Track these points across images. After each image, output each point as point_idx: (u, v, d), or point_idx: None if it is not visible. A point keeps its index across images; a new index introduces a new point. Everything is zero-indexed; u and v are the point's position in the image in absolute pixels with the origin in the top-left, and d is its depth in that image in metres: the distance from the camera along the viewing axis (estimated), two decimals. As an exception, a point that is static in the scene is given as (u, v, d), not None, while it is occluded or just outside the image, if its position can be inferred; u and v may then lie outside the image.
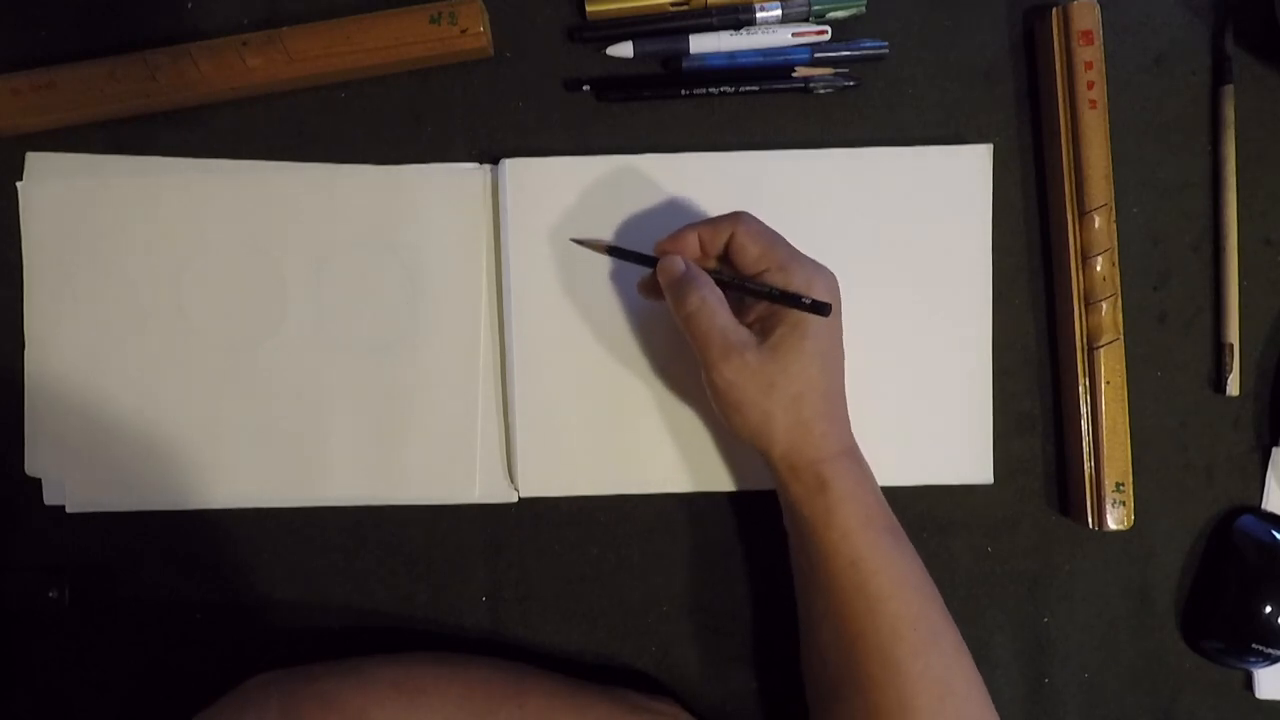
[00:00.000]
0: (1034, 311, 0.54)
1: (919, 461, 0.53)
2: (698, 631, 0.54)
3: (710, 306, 0.44)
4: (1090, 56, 0.51)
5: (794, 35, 0.52)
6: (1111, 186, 0.52)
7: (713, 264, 0.48)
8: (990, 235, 0.53)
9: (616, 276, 0.53)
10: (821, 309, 0.43)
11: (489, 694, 0.46)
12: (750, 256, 0.45)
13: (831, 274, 0.46)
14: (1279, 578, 0.52)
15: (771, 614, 0.54)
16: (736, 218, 0.46)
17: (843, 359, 0.47)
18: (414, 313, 0.53)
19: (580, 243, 0.51)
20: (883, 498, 0.47)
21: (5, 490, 0.53)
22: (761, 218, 0.52)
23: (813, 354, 0.44)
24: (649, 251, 0.48)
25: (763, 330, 0.45)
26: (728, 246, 0.46)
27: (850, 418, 0.48)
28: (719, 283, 0.46)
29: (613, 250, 0.49)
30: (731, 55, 0.53)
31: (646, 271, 0.48)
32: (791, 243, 0.46)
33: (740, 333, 0.44)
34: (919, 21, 0.54)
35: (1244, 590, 0.52)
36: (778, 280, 0.44)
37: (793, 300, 0.44)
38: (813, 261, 0.46)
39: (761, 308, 0.46)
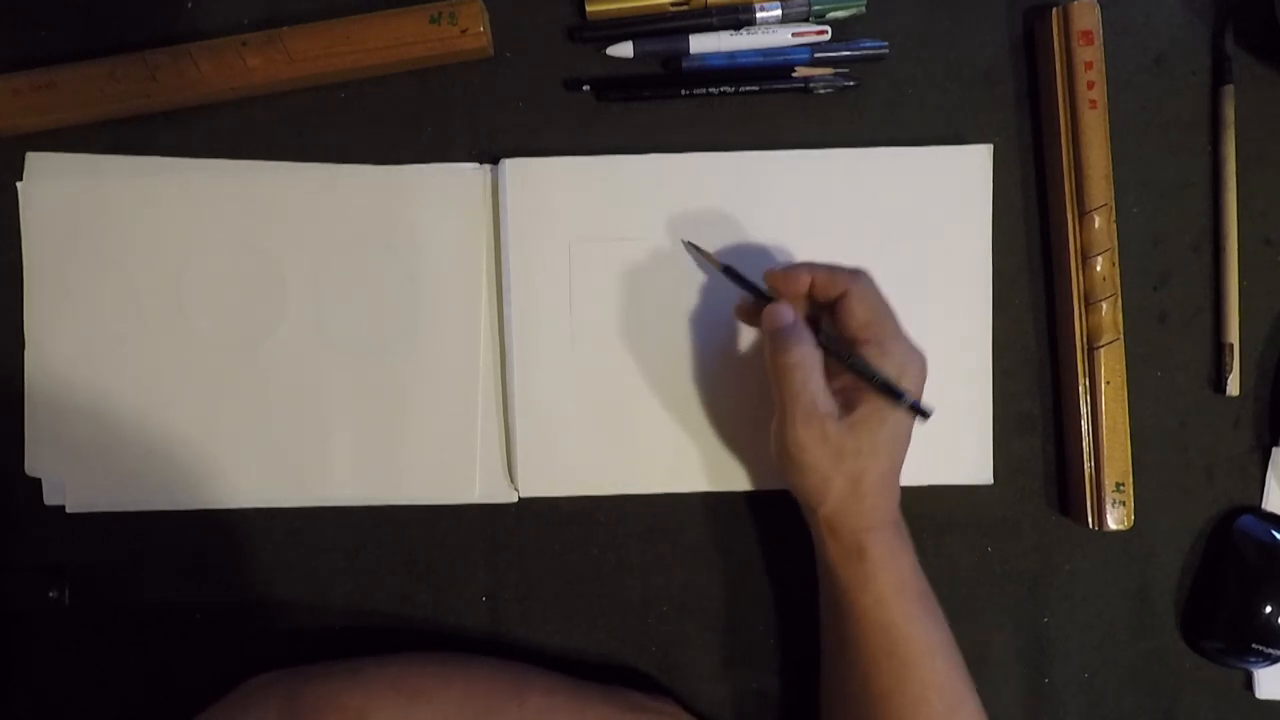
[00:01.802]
0: (1034, 311, 0.54)
1: (919, 461, 0.53)
2: (698, 631, 0.54)
3: (806, 368, 0.44)
4: (1090, 56, 0.51)
5: (794, 35, 0.52)
6: (1111, 186, 0.52)
7: (803, 305, 0.48)
8: (990, 235, 0.53)
9: (616, 276, 0.53)
10: (922, 412, 0.44)
11: (489, 693, 0.46)
12: (856, 321, 0.45)
13: (923, 361, 0.46)
14: (1279, 578, 0.52)
15: (771, 614, 0.54)
16: (856, 276, 0.46)
17: (909, 442, 0.47)
18: (414, 313, 0.53)
19: (695, 250, 0.51)
20: (918, 566, 0.47)
21: (5, 490, 0.53)
22: (762, 218, 0.53)
23: (887, 439, 0.44)
24: (756, 274, 0.48)
25: (846, 401, 0.45)
26: (836, 301, 0.46)
27: None
28: (821, 344, 0.45)
29: (728, 271, 0.49)
30: (731, 55, 0.53)
31: (733, 288, 0.49)
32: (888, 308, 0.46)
33: (827, 401, 0.45)
34: (919, 21, 0.54)
35: (1244, 590, 0.52)
36: (873, 355, 0.44)
37: (893, 395, 0.44)
38: (909, 345, 0.45)
39: (850, 376, 0.45)
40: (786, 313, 0.46)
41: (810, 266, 0.46)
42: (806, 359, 0.44)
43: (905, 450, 0.46)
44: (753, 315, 0.48)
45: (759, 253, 0.53)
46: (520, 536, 0.54)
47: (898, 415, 0.44)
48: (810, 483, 0.45)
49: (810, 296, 0.47)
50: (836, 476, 0.45)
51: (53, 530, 0.53)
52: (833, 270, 0.46)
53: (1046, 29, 0.52)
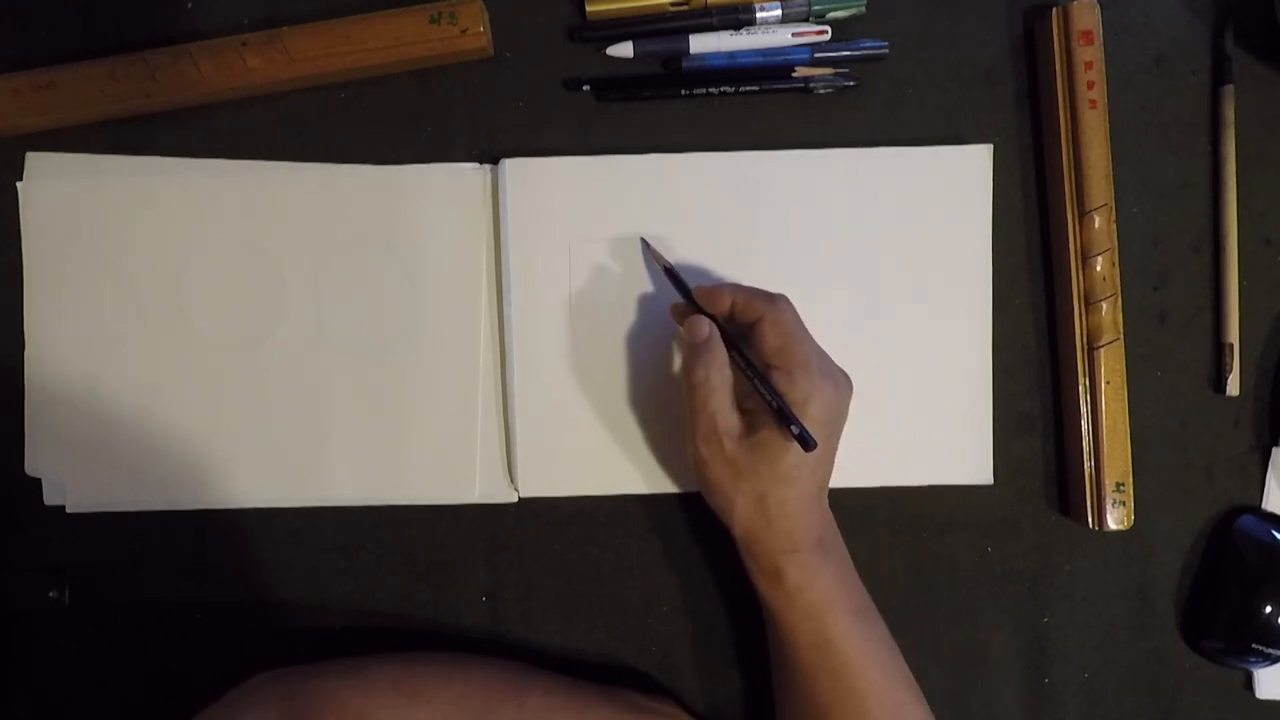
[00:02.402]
0: (1034, 311, 0.54)
1: (919, 461, 0.53)
2: (698, 631, 0.54)
3: (711, 385, 0.45)
4: (1090, 56, 0.51)
5: (794, 35, 0.52)
6: (1111, 186, 0.52)
7: (733, 325, 0.48)
8: (990, 235, 0.53)
9: (616, 276, 0.53)
10: (805, 442, 0.44)
11: (488, 693, 0.46)
12: (768, 347, 0.46)
13: (839, 389, 0.46)
14: (1279, 578, 0.52)
15: (771, 614, 0.54)
16: (771, 302, 0.46)
17: (828, 468, 0.47)
18: (414, 313, 0.53)
19: (647, 246, 0.52)
20: (850, 578, 0.47)
21: (5, 490, 0.53)
22: (762, 218, 0.53)
23: (789, 465, 0.44)
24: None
25: (752, 423, 0.45)
26: (753, 325, 0.46)
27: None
28: (733, 362, 0.46)
29: (668, 271, 0.50)
30: (731, 55, 0.53)
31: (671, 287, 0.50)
32: (811, 337, 0.47)
33: (729, 420, 0.45)
34: (919, 21, 0.54)
35: (1244, 590, 0.52)
36: (780, 381, 0.45)
37: (782, 419, 0.44)
38: (823, 373, 0.45)
39: (758, 400, 0.46)
40: (703, 328, 0.46)
41: (734, 288, 0.47)
42: (714, 376, 0.45)
43: (817, 481, 0.46)
44: (682, 317, 0.49)
45: (760, 253, 0.53)
46: (520, 536, 0.54)
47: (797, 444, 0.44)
48: (717, 501, 0.47)
49: (731, 318, 0.47)
50: (738, 497, 0.45)
51: (53, 530, 0.53)
52: (752, 294, 0.47)
53: (1046, 29, 0.52)
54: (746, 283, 0.52)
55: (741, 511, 0.46)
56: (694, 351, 0.46)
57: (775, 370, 0.45)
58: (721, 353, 0.46)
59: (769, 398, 0.44)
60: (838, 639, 0.45)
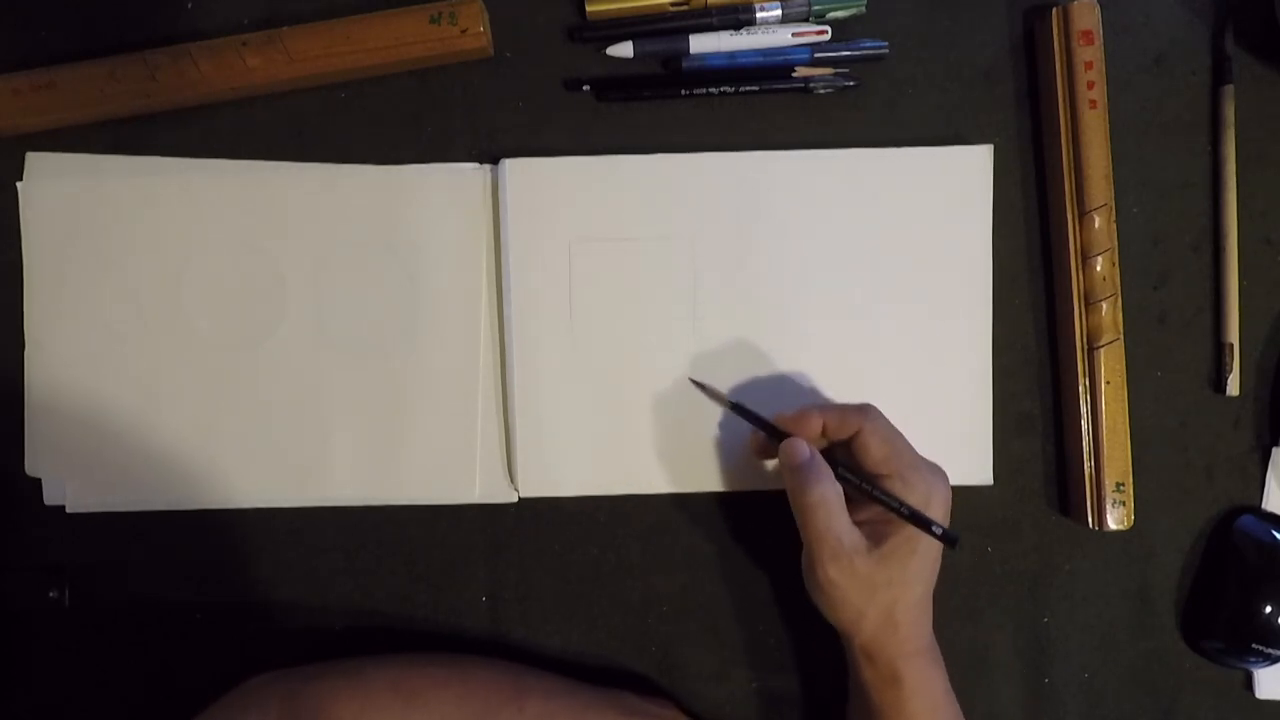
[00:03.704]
0: (1034, 311, 0.54)
1: (919, 461, 0.53)
2: (698, 632, 0.54)
3: (829, 505, 0.45)
4: (1090, 56, 0.51)
5: (794, 35, 0.52)
6: (1111, 186, 0.52)
7: (824, 443, 0.48)
8: (990, 235, 0.53)
9: (616, 276, 0.53)
10: (951, 539, 0.44)
11: (487, 696, 0.46)
12: (873, 458, 0.45)
13: (946, 485, 0.46)
14: (1279, 578, 0.52)
15: (771, 614, 0.54)
16: (864, 413, 0.46)
17: (938, 567, 0.47)
18: (414, 313, 0.53)
19: (701, 387, 0.51)
20: (950, 689, 0.48)
21: (5, 490, 0.53)
22: (762, 218, 0.53)
23: (917, 568, 0.45)
24: (767, 413, 0.48)
25: (873, 533, 0.45)
26: (850, 439, 0.46)
27: None
28: (841, 479, 0.46)
29: (736, 407, 0.49)
30: (731, 55, 0.53)
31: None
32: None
33: (854, 536, 0.45)
34: (919, 21, 0.54)
35: (1244, 590, 0.52)
36: (896, 488, 0.45)
37: (923, 524, 0.44)
38: (929, 469, 0.46)
39: (875, 509, 0.46)
40: (803, 449, 0.46)
41: (820, 409, 0.47)
42: (828, 495, 0.45)
43: (934, 576, 0.47)
44: (765, 450, 0.49)
45: (760, 253, 0.53)
46: (520, 536, 0.54)
47: (926, 544, 0.45)
48: (844, 616, 0.46)
49: (824, 435, 0.47)
50: (869, 608, 0.45)
51: (53, 530, 0.53)
52: (842, 411, 0.47)
53: (1046, 29, 0.52)
54: (747, 282, 0.52)
55: (872, 621, 0.45)
56: (799, 474, 0.45)
57: (886, 479, 0.45)
58: (828, 470, 0.45)
59: (896, 505, 0.44)
60: None
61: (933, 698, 0.46)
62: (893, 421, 0.46)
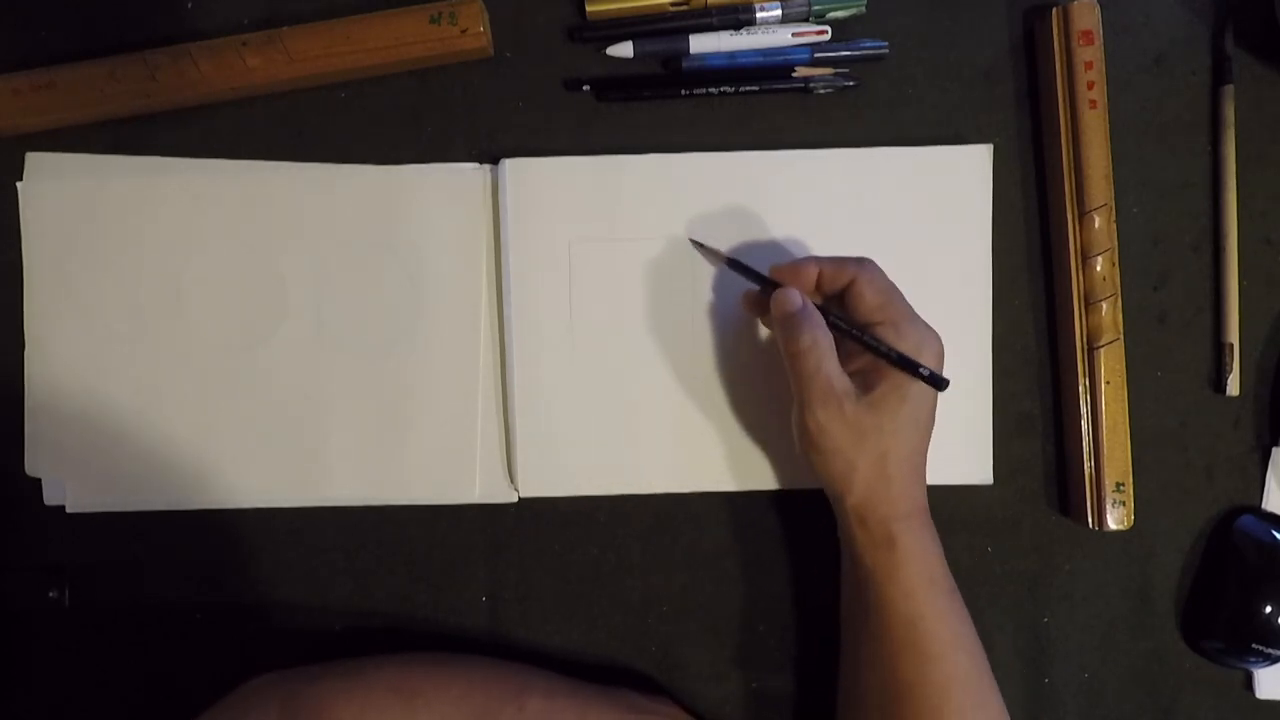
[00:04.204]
0: (1034, 311, 0.54)
1: (919, 461, 0.53)
2: (698, 631, 0.54)
3: (820, 349, 0.44)
4: (1090, 56, 0.51)
5: (794, 35, 0.52)
6: (1111, 186, 0.52)
7: (817, 299, 0.48)
8: (990, 235, 0.53)
9: (616, 276, 0.53)
10: (938, 383, 0.44)
11: (488, 695, 0.46)
12: (867, 306, 0.45)
13: (939, 339, 0.46)
14: (1279, 578, 0.52)
15: (771, 614, 0.54)
16: (861, 263, 0.46)
17: (933, 423, 0.47)
18: (414, 313, 0.53)
19: (699, 246, 0.51)
20: (944, 560, 0.47)
21: (5, 490, 0.53)
22: (762, 218, 0.53)
23: (909, 416, 0.45)
24: (764, 267, 0.48)
25: (864, 383, 0.45)
26: (845, 289, 0.46)
27: None
28: (833, 327, 0.46)
29: (732, 263, 0.50)
30: (731, 55, 0.53)
31: (742, 283, 0.49)
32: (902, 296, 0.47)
33: (843, 381, 0.45)
34: (919, 21, 0.54)
35: (1244, 590, 0.52)
36: (889, 336, 0.45)
37: (910, 367, 0.44)
38: (923, 324, 0.46)
39: (866, 358, 0.46)
40: (795, 297, 0.46)
41: (816, 260, 0.47)
42: (820, 341, 0.45)
43: (929, 430, 0.46)
44: (759, 306, 0.49)
45: (760, 253, 0.53)
46: (520, 536, 0.54)
47: (917, 391, 0.44)
48: (835, 468, 0.45)
49: (818, 289, 0.47)
50: (860, 459, 0.44)
51: (53, 530, 0.53)
52: (838, 261, 0.46)
53: (1046, 29, 0.52)
54: (746, 282, 0.52)
55: (863, 474, 0.45)
56: (791, 321, 0.45)
57: (879, 326, 0.45)
58: (820, 317, 0.45)
59: (884, 349, 0.44)
60: (933, 619, 0.45)
61: (928, 564, 0.45)
62: (889, 280, 0.46)
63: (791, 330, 0.45)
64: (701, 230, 0.52)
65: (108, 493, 0.53)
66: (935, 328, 0.53)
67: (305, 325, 0.53)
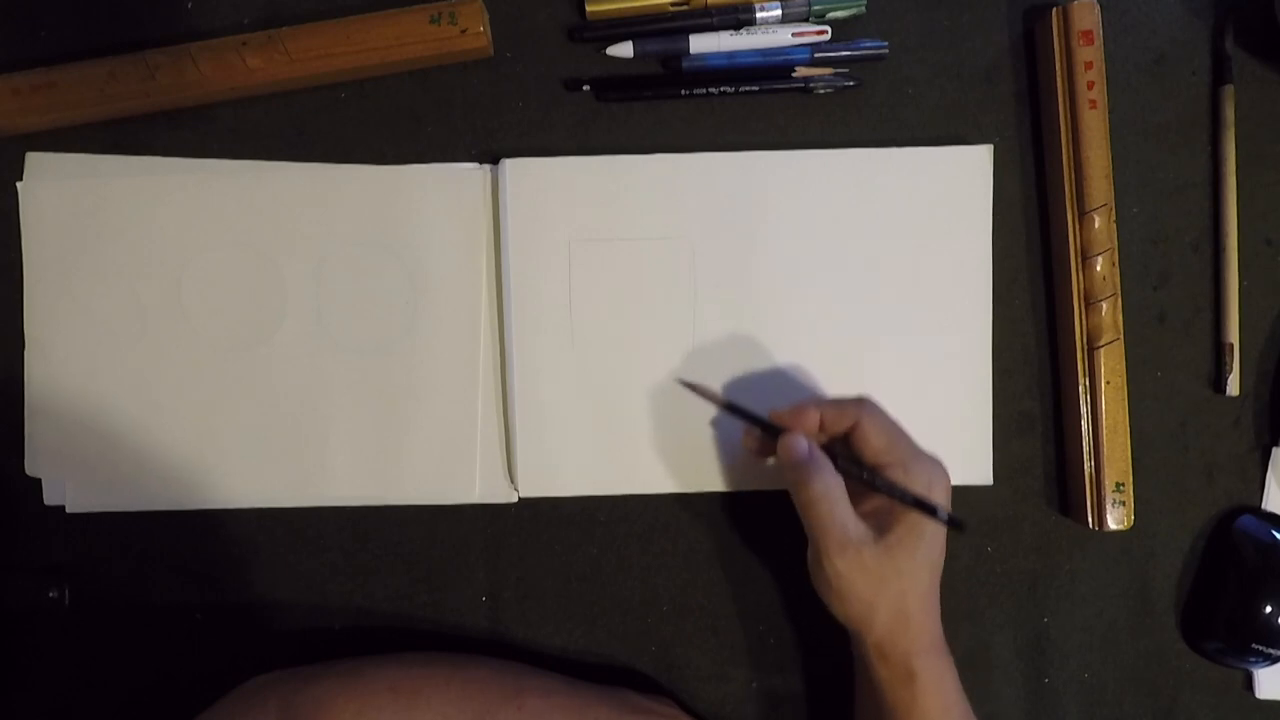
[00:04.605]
0: (1034, 311, 0.54)
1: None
2: (698, 632, 0.54)
3: (832, 497, 0.44)
4: (1090, 56, 0.51)
5: (794, 35, 0.52)
6: (1111, 186, 0.52)
7: (822, 438, 0.48)
8: (990, 235, 0.53)
9: (616, 276, 0.53)
10: (958, 525, 0.44)
11: (487, 695, 0.46)
12: (873, 448, 0.45)
13: (946, 472, 0.46)
14: (1279, 578, 0.52)
15: (771, 614, 0.54)
16: (861, 405, 0.46)
17: (944, 557, 0.46)
18: (414, 313, 0.53)
19: (692, 388, 0.49)
20: (960, 688, 0.47)
21: (5, 490, 0.53)
22: (762, 218, 0.53)
23: (925, 556, 0.45)
24: (764, 411, 0.48)
25: (879, 525, 0.45)
26: (849, 431, 0.46)
27: None
28: (842, 470, 0.45)
29: (730, 407, 0.49)
30: (731, 55, 0.53)
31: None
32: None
33: (859, 528, 0.45)
34: (919, 21, 0.54)
35: (1244, 590, 0.52)
36: (898, 476, 0.45)
37: (929, 510, 0.44)
38: (929, 458, 0.46)
39: (879, 500, 0.46)
40: (801, 444, 0.45)
41: (817, 403, 0.47)
42: (831, 487, 0.44)
43: (940, 565, 0.46)
44: (764, 448, 0.48)
45: (760, 253, 0.53)
46: (520, 536, 0.54)
47: (933, 530, 0.44)
48: (854, 610, 0.45)
49: (822, 429, 0.47)
50: (880, 601, 0.45)
51: (53, 530, 0.53)
52: (839, 404, 0.46)
53: (1046, 29, 0.52)
54: (746, 282, 0.52)
55: (883, 615, 0.45)
56: (799, 469, 0.45)
57: (888, 467, 0.45)
58: (828, 462, 0.45)
59: (899, 492, 0.44)
60: None
61: (946, 695, 0.46)
62: (891, 418, 0.46)
63: (801, 478, 0.45)
64: (700, 232, 0.52)
65: (108, 493, 0.53)
66: (935, 328, 0.53)
67: (305, 325, 0.53)
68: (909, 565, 0.44)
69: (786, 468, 0.46)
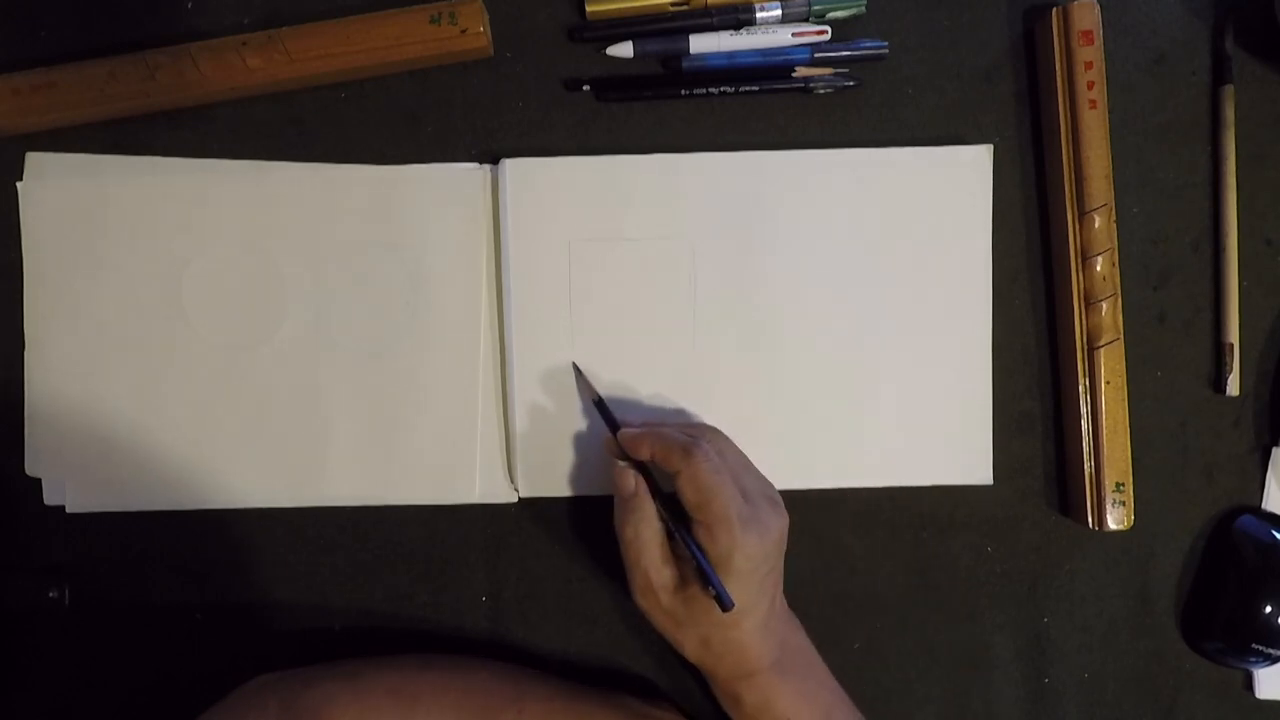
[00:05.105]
0: (1034, 311, 0.54)
1: (919, 461, 0.53)
2: (698, 631, 0.54)
3: (642, 542, 0.45)
4: (1090, 56, 0.51)
5: (794, 35, 0.52)
6: (1111, 186, 0.52)
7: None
8: (990, 235, 0.53)
9: (616, 276, 0.53)
10: (722, 603, 0.43)
11: (486, 700, 0.46)
12: (687, 502, 0.45)
13: (764, 534, 0.44)
14: (1279, 578, 0.52)
15: (771, 614, 0.54)
16: (687, 456, 0.44)
17: (768, 601, 0.46)
18: (414, 313, 0.53)
19: (579, 374, 0.52)
20: (813, 688, 0.47)
21: (5, 490, 0.53)
22: (762, 218, 0.53)
23: (726, 614, 0.44)
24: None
25: (685, 574, 0.45)
26: (675, 475, 0.45)
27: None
28: (660, 514, 0.46)
29: (599, 404, 0.50)
30: (731, 55, 0.53)
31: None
32: (741, 475, 0.46)
33: (661, 575, 0.45)
34: (919, 21, 0.54)
35: (1244, 590, 0.52)
36: (701, 537, 0.44)
37: (703, 579, 0.44)
38: (745, 523, 0.44)
39: None
40: (628, 483, 0.46)
41: (654, 437, 0.46)
42: (642, 533, 0.45)
43: (761, 614, 0.45)
44: (616, 452, 0.48)
45: (760, 253, 0.53)
46: (520, 536, 0.54)
47: (739, 589, 0.44)
48: (666, 636, 0.47)
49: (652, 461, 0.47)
50: (684, 639, 0.46)
51: (53, 530, 0.53)
52: (669, 446, 0.45)
53: (1046, 29, 0.52)
54: (746, 282, 0.52)
55: (691, 652, 0.46)
56: (623, 505, 0.46)
57: (698, 525, 0.44)
58: (649, 508, 0.46)
59: (691, 551, 0.44)
60: None
61: (784, 709, 0.46)
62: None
63: (621, 515, 0.46)
64: (700, 232, 0.52)
65: (108, 493, 0.53)
66: (935, 328, 0.53)
67: (305, 325, 0.53)
68: (706, 617, 0.45)
69: (616, 498, 0.47)
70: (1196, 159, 0.54)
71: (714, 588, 0.43)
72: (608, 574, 0.54)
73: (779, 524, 0.46)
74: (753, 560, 0.44)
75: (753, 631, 0.45)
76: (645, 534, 0.46)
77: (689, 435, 0.46)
